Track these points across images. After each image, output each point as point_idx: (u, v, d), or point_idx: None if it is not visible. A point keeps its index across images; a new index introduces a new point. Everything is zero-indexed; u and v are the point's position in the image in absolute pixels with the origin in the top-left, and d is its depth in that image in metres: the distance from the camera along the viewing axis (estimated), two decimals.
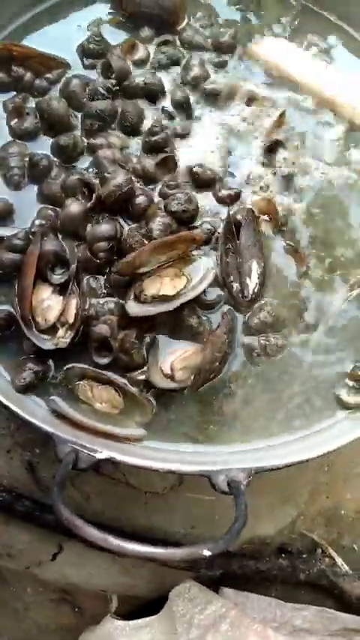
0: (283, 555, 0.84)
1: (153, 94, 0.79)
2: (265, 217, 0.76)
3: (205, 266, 0.71)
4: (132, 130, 0.77)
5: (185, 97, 0.79)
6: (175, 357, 0.70)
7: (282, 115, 0.80)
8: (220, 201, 0.77)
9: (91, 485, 0.81)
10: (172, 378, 0.69)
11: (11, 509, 0.79)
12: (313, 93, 0.82)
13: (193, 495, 0.80)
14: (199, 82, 0.81)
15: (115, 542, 0.45)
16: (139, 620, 0.78)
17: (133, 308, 0.68)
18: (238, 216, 0.74)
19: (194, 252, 0.72)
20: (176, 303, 0.68)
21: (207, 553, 0.45)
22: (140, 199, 0.73)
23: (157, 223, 0.71)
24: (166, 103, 0.80)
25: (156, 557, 0.46)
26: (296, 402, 0.71)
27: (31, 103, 0.78)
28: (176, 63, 0.82)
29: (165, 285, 0.69)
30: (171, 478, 0.80)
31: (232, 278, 0.72)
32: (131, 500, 0.81)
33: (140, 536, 0.81)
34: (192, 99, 0.80)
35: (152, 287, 0.69)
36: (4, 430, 0.81)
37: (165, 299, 0.68)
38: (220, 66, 0.83)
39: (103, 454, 0.61)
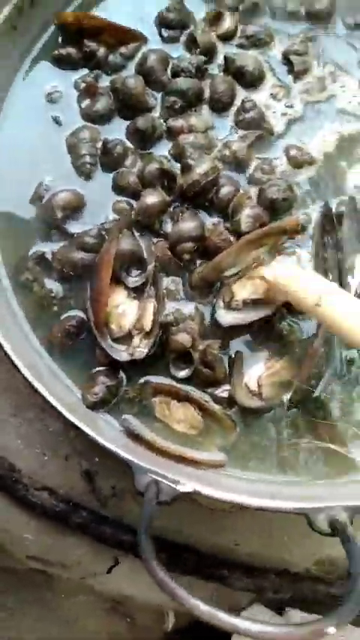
0: None
1: (253, 82, 0.70)
2: None
3: (302, 260, 0.63)
4: (221, 109, 0.69)
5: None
6: (263, 371, 0.61)
7: None
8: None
9: None
10: (259, 395, 0.61)
11: (68, 519, 0.74)
12: None
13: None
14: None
15: (227, 620, 0.38)
16: None
17: (225, 317, 0.60)
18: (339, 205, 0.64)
19: (285, 245, 0.64)
20: (273, 307, 0.60)
21: (332, 630, 0.38)
22: (226, 190, 0.65)
23: (246, 215, 0.63)
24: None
25: (273, 637, 0.38)
26: None
27: (105, 82, 0.70)
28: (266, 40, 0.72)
29: (258, 286, 0.60)
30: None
31: (331, 276, 0.62)
32: (196, 517, 0.74)
33: (205, 554, 0.74)
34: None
35: (243, 290, 0.61)
36: (61, 436, 0.76)
37: (259, 303, 0.60)
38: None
39: (186, 486, 0.53)
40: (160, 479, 0.53)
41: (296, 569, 0.75)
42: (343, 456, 0.60)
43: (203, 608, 0.39)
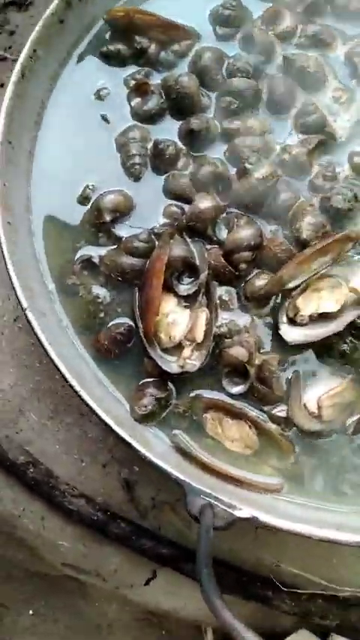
0: None
1: (314, 83, 0.66)
2: None
3: None
4: (280, 112, 0.65)
5: None
6: (323, 392, 0.57)
7: None
8: None
9: None
10: (318, 417, 0.57)
11: (105, 529, 0.71)
12: None
13: None
14: None
15: None
16: None
17: (291, 333, 0.56)
18: None
19: (351, 253, 0.60)
20: (344, 320, 0.56)
21: None
22: (285, 196, 0.61)
23: (308, 223, 0.59)
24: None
25: None
26: None
27: (156, 80, 0.67)
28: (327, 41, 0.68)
29: (324, 299, 0.57)
30: None
31: None
32: (239, 532, 0.68)
33: (247, 572, 0.71)
34: None
35: (309, 304, 0.57)
36: (100, 443, 0.73)
37: (326, 317, 0.56)
38: None
39: (244, 512, 0.49)
40: (215, 502, 0.49)
41: (345, 593, 0.71)
42: None
43: None
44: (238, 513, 0.49)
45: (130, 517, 0.72)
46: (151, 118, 0.65)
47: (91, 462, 0.72)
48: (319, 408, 0.57)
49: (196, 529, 0.70)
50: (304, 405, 0.57)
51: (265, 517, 0.50)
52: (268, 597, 0.70)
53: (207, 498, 0.50)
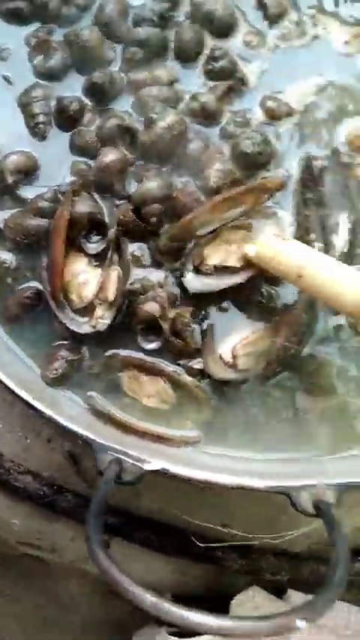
0: (359, 558, 0.72)
1: (224, 29, 0.64)
2: None
3: (281, 222, 0.57)
4: (188, 59, 0.63)
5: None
6: (238, 341, 0.56)
7: None
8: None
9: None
10: (234, 366, 0.56)
11: (54, 504, 0.72)
12: None
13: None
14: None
15: (176, 613, 0.33)
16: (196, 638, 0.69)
17: (194, 282, 0.55)
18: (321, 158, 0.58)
19: (267, 205, 0.58)
20: (244, 276, 0.55)
21: (302, 625, 0.32)
22: (195, 145, 0.59)
23: (216, 170, 0.57)
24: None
25: (233, 634, 0.33)
26: None
27: (59, 36, 0.64)
28: None
29: (232, 254, 0.55)
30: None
31: (313, 236, 0.57)
32: (185, 496, 0.71)
33: (197, 535, 0.71)
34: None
35: (216, 255, 0.56)
36: (42, 419, 0.72)
37: (233, 269, 0.55)
38: None
39: (152, 464, 0.48)
40: (123, 457, 0.48)
41: (297, 549, 0.72)
42: (329, 430, 0.55)
43: (149, 601, 0.34)
44: (146, 466, 0.49)
45: (78, 490, 0.72)
46: (55, 76, 0.63)
47: (35, 437, 0.72)
48: (234, 357, 0.56)
49: (144, 496, 0.71)
50: (220, 355, 0.56)
51: (175, 468, 0.49)
52: (218, 557, 0.70)
53: (115, 454, 0.49)
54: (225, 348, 0.56)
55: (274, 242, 0.52)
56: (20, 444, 0.72)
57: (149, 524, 0.71)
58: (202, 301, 0.58)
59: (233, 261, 0.56)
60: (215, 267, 0.56)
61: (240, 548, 0.70)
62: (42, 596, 0.85)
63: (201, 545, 0.67)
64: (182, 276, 0.56)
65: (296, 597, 0.72)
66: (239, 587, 0.73)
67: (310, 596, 0.71)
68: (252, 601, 0.71)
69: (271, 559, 0.71)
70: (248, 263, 0.56)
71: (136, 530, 0.71)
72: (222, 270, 0.56)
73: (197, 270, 0.56)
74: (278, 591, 0.73)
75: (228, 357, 0.56)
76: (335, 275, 0.49)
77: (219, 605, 0.72)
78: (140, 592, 0.34)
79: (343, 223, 0.56)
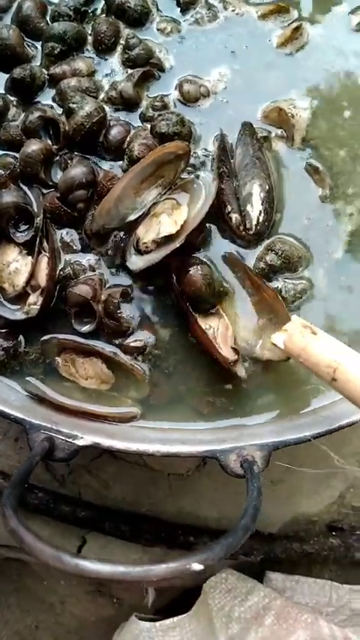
0: (333, 534, 0.74)
1: (138, 19, 0.66)
2: (279, 132, 0.62)
3: (203, 182, 0.58)
4: (106, 51, 0.65)
5: None
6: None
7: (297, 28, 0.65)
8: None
9: (108, 472, 0.73)
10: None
11: (24, 502, 0.72)
12: None
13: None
14: None
15: (71, 561, 0.34)
16: (167, 621, 0.70)
17: (137, 263, 0.57)
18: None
19: (186, 176, 0.60)
20: (182, 238, 0.55)
21: (198, 567, 0.33)
22: (115, 131, 0.61)
23: (139, 144, 0.59)
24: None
25: (125, 578, 0.34)
26: None
27: None
28: None
29: (163, 223, 0.57)
30: (194, 459, 0.69)
31: (229, 208, 0.58)
32: (154, 485, 0.72)
33: (168, 522, 0.72)
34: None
35: (150, 231, 0.57)
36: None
37: (171, 238, 0.56)
38: None
39: (84, 440, 0.49)
40: (54, 435, 0.49)
41: (269, 529, 0.73)
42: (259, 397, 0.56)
43: (48, 552, 0.35)
44: (78, 442, 0.50)
45: (49, 487, 0.73)
46: None
47: (2, 438, 0.73)
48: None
49: (113, 487, 0.72)
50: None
51: (107, 442, 0.50)
52: (191, 542, 0.71)
53: (46, 432, 0.50)
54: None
55: (302, 334, 0.49)
56: None
57: (120, 515, 0.72)
58: (142, 277, 0.59)
59: (167, 229, 0.57)
60: (155, 241, 0.57)
61: (212, 532, 0.71)
62: (30, 600, 0.85)
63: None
64: (125, 260, 0.58)
65: (276, 577, 0.73)
66: (213, 571, 0.73)
67: (292, 576, 0.72)
68: (225, 583, 0.71)
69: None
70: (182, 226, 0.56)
71: (107, 522, 0.71)
72: (163, 242, 0.57)
73: (139, 251, 0.58)
74: (258, 575, 0.74)
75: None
76: None
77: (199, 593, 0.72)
78: (42, 546, 0.35)
79: (256, 193, 0.58)
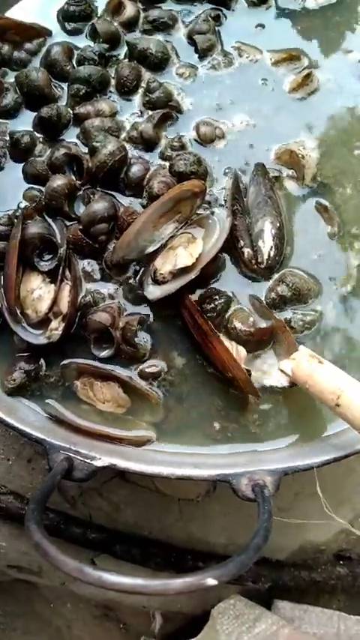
0: (341, 562, 0.74)
1: (158, 64, 0.70)
2: (290, 172, 0.65)
3: (218, 218, 0.62)
4: (128, 93, 0.69)
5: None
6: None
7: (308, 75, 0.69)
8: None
9: (119, 495, 0.74)
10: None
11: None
12: None
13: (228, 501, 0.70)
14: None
15: (94, 573, 0.36)
16: None
17: (155, 292, 0.60)
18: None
19: (202, 212, 0.63)
20: (197, 269, 0.59)
21: (212, 582, 0.35)
22: (135, 169, 0.65)
23: (158, 182, 0.63)
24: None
25: (145, 591, 0.36)
26: None
27: (12, 78, 0.71)
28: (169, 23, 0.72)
29: (179, 255, 0.60)
30: (203, 484, 0.71)
31: (242, 243, 0.61)
32: (164, 509, 0.73)
33: (178, 547, 0.73)
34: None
35: (167, 263, 0.60)
36: (22, 439, 0.75)
37: (187, 270, 0.59)
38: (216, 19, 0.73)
39: (101, 461, 0.52)
40: (73, 455, 0.52)
41: (277, 556, 0.73)
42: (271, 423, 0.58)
43: (71, 565, 0.37)
44: (96, 463, 0.52)
45: (60, 508, 0.74)
46: (8, 113, 0.69)
47: (16, 458, 0.74)
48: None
49: (124, 511, 0.73)
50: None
51: (123, 464, 0.52)
52: (199, 568, 0.71)
53: (65, 452, 0.52)
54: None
55: (309, 362, 0.53)
56: (2, 465, 0.74)
57: (131, 539, 0.73)
58: (159, 308, 0.62)
59: (183, 261, 0.60)
60: (171, 272, 0.60)
61: (220, 558, 0.71)
62: (37, 623, 0.86)
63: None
64: (143, 289, 0.61)
65: (284, 605, 0.74)
66: (222, 597, 0.74)
67: (301, 605, 0.73)
68: (233, 609, 0.72)
69: (251, 566, 0.72)
70: (197, 259, 0.59)
71: (118, 545, 0.72)
72: (179, 274, 0.60)
73: (156, 282, 0.61)
74: (267, 604, 0.74)
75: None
76: None
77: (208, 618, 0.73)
78: (64, 558, 0.37)
79: (267, 229, 0.61)
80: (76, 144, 0.67)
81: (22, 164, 0.67)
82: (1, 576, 0.80)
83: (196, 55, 0.71)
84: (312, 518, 0.71)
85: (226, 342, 0.58)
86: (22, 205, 0.65)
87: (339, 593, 0.75)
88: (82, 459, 0.52)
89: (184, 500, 0.72)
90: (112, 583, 0.35)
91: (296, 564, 0.74)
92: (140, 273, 0.63)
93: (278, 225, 0.61)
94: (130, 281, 0.63)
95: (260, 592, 0.74)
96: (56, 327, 0.61)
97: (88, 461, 0.52)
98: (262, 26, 0.72)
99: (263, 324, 0.60)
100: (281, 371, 0.56)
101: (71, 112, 0.68)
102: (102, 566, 0.74)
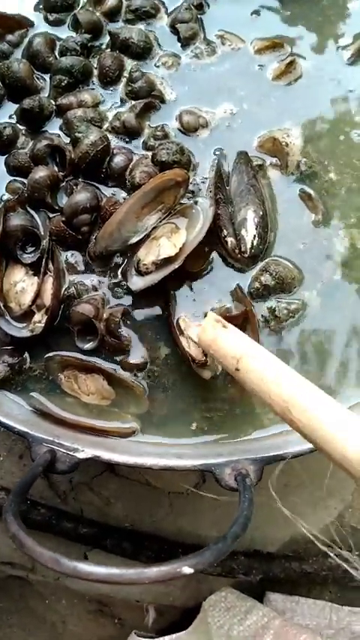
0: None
1: (141, 53, 0.69)
2: (273, 160, 0.65)
3: (201, 208, 0.61)
4: (111, 83, 0.69)
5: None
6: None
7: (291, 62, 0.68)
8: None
9: (109, 489, 0.74)
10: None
11: (27, 518, 0.73)
12: None
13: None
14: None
15: (69, 564, 0.35)
16: (166, 637, 0.71)
17: (138, 283, 0.59)
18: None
19: (185, 201, 0.63)
20: (180, 260, 0.58)
21: (188, 571, 0.35)
22: (118, 159, 0.64)
23: (140, 171, 0.62)
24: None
25: (119, 580, 0.35)
26: (323, 377, 0.60)
27: None
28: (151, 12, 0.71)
29: (163, 246, 0.59)
30: (192, 476, 0.71)
31: (225, 232, 0.61)
32: (155, 502, 0.73)
33: (169, 540, 0.73)
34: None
35: (150, 254, 0.60)
36: (13, 435, 0.74)
37: (170, 260, 0.59)
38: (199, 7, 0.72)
39: (84, 453, 0.51)
40: (56, 447, 0.51)
41: (268, 548, 0.73)
42: (254, 413, 0.58)
43: (47, 555, 0.36)
44: (79, 455, 0.52)
45: (52, 504, 0.74)
46: None
47: (7, 454, 0.75)
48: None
49: (114, 504, 0.73)
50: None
51: (106, 455, 0.52)
52: None
53: (48, 445, 0.52)
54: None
55: (214, 327, 0.52)
56: None
57: (121, 533, 0.73)
58: (144, 298, 0.62)
59: (167, 251, 0.60)
60: (154, 263, 0.60)
61: None
62: (32, 619, 0.85)
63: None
64: (126, 280, 0.61)
65: (275, 597, 0.74)
66: (213, 589, 0.74)
67: (292, 597, 0.72)
68: (224, 601, 0.71)
69: (242, 559, 0.72)
70: (180, 249, 0.59)
71: (109, 539, 0.72)
72: (162, 264, 0.60)
73: (140, 272, 0.60)
74: (259, 596, 0.74)
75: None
76: (268, 371, 0.47)
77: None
78: (40, 550, 0.37)
79: (250, 218, 0.60)
80: (59, 135, 0.67)
81: (4, 156, 0.67)
82: None
83: (179, 44, 0.71)
84: (300, 507, 0.71)
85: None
86: (5, 198, 0.64)
87: (330, 584, 0.75)
88: (64, 451, 0.51)
89: (174, 493, 0.72)
90: (87, 573, 0.35)
91: (287, 556, 0.74)
92: (124, 264, 0.62)
93: (261, 213, 0.61)
94: (112, 272, 0.62)
95: (252, 584, 0.74)
96: (39, 319, 0.60)
97: (70, 453, 0.51)
98: (250, 14, 0.71)
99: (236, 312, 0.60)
100: (190, 338, 0.56)
101: (54, 103, 0.68)
102: (94, 560, 0.74)
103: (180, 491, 0.72)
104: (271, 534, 0.74)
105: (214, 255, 0.63)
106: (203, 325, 0.53)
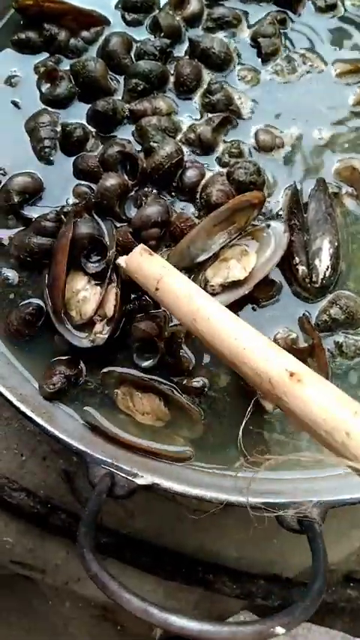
0: (351, 585, 0.73)
1: (220, 64, 0.67)
2: (349, 189, 0.63)
3: (273, 232, 0.59)
4: (187, 92, 0.67)
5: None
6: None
7: None
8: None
9: (134, 502, 0.71)
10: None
11: (47, 522, 0.71)
12: None
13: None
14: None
15: (159, 617, 0.34)
16: None
17: None
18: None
19: (257, 223, 0.61)
20: (250, 285, 0.57)
21: (281, 631, 0.34)
22: (191, 173, 0.62)
23: (217, 190, 0.60)
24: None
25: (213, 637, 0.34)
26: None
27: (66, 66, 0.68)
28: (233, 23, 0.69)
29: (232, 268, 0.58)
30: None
31: (297, 259, 0.59)
32: (179, 519, 0.71)
33: (189, 558, 0.71)
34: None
35: (218, 275, 0.58)
36: (39, 436, 0.73)
37: (239, 284, 0.58)
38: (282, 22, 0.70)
39: (144, 479, 0.50)
40: (115, 471, 0.50)
41: (288, 574, 0.72)
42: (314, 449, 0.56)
43: (135, 604, 0.35)
44: (138, 481, 0.50)
45: (71, 509, 0.72)
46: (60, 103, 0.66)
47: (30, 455, 0.73)
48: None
49: (138, 518, 0.71)
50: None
51: (167, 483, 0.50)
52: (209, 581, 0.70)
53: (107, 467, 0.50)
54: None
55: (140, 254, 0.54)
56: (16, 461, 0.72)
57: (142, 546, 0.72)
58: None
59: (236, 274, 0.58)
60: (222, 285, 0.59)
61: (231, 572, 0.70)
62: (33, 620, 0.84)
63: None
64: None
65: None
66: (232, 613, 0.74)
67: (306, 624, 0.72)
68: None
69: (262, 583, 0.71)
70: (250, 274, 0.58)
71: (128, 551, 0.71)
72: (230, 286, 0.59)
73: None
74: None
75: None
76: (184, 290, 0.51)
77: None
78: (128, 596, 0.35)
79: (325, 248, 0.59)
80: (129, 141, 0.65)
81: (73, 158, 0.64)
82: (2, 570, 0.78)
83: (259, 59, 0.69)
84: (327, 538, 0.71)
85: None
86: (71, 202, 0.62)
87: (346, 615, 0.75)
88: (124, 475, 0.50)
89: (199, 511, 0.71)
90: (180, 627, 0.34)
91: (306, 583, 0.72)
92: None
93: (337, 244, 0.59)
94: None
95: (268, 608, 0.72)
96: (101, 330, 0.58)
97: (130, 478, 0.50)
98: (329, 33, 0.70)
99: (304, 344, 0.58)
100: (118, 265, 0.57)
101: (127, 107, 0.66)
102: (109, 567, 0.73)
103: (207, 510, 0.71)
104: (291, 560, 0.73)
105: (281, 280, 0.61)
106: (131, 253, 0.55)
